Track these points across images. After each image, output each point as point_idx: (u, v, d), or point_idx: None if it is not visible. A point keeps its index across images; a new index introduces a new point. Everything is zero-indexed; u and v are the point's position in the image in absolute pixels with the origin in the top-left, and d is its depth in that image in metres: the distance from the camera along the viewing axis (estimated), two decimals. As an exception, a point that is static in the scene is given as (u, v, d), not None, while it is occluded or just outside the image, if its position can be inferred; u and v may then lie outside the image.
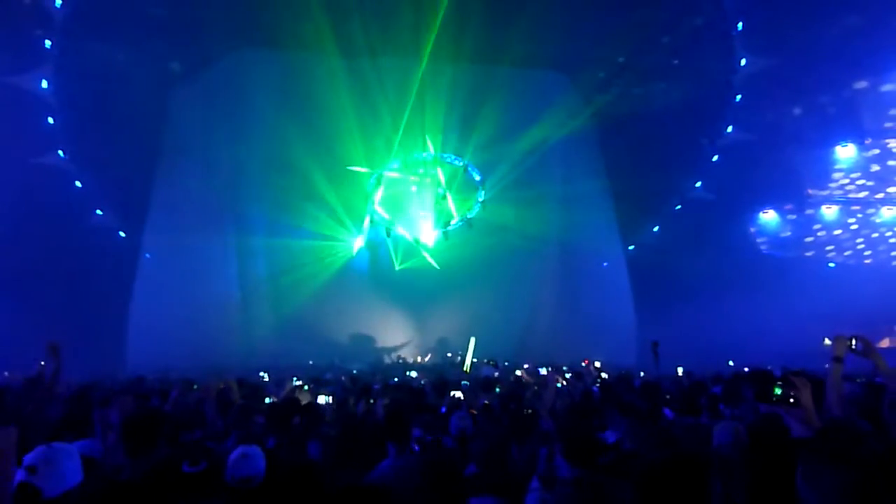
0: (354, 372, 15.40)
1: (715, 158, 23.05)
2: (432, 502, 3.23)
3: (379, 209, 24.05)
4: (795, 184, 23.63)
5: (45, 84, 18.50)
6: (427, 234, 24.28)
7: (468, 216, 23.98)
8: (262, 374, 13.24)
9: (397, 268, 24.55)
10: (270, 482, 3.47)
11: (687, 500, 2.29)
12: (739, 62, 20.88)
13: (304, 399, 6.88)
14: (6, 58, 17.68)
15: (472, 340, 17.70)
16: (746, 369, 12.06)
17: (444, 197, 24.33)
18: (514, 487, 3.62)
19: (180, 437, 4.65)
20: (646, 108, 22.64)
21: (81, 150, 19.85)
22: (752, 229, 25.19)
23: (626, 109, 22.82)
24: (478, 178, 24.30)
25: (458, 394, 7.68)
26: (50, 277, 18.25)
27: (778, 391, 3.01)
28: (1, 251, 17.02)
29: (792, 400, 2.96)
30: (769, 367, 9.32)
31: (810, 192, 23.71)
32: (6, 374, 10.93)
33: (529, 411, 5.52)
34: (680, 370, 12.69)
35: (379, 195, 24.06)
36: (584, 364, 12.60)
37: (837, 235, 23.97)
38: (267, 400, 7.17)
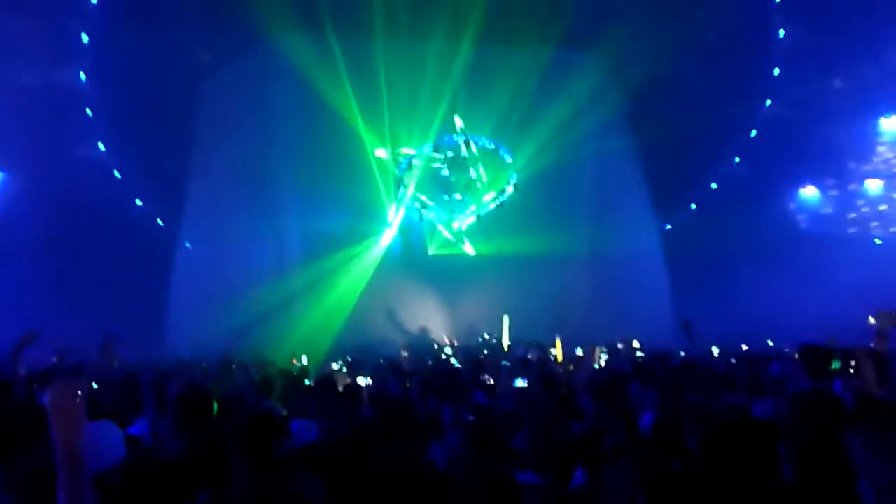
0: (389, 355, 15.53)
1: (753, 133, 22.53)
2: (476, 475, 3.26)
3: (411, 193, 24.09)
4: (837, 158, 22.96)
5: (83, 76, 18.86)
6: (460, 217, 24.24)
7: (501, 199, 23.85)
8: (301, 357, 13.38)
9: (430, 253, 24.61)
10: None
11: (754, 464, 2.30)
12: (777, 33, 20.28)
13: (342, 381, 7.00)
14: (46, 52, 18.05)
15: (506, 319, 17.58)
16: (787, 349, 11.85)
17: (476, 180, 24.23)
18: (560, 465, 3.57)
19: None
20: (681, 82, 22.14)
21: (119, 142, 20.23)
22: (792, 206, 24.60)
23: (661, 85, 22.36)
24: (509, 160, 24.11)
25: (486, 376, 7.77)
26: (93, 267, 18.69)
27: (837, 364, 2.98)
28: (45, 243, 17.51)
29: (852, 371, 2.94)
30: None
31: (853, 166, 23.01)
32: (53, 359, 11.36)
33: (565, 390, 5.54)
34: (716, 350, 12.51)
35: (411, 179, 24.08)
36: (619, 346, 12.49)
37: (882, 211, 23.23)
38: (306, 382, 7.31)
